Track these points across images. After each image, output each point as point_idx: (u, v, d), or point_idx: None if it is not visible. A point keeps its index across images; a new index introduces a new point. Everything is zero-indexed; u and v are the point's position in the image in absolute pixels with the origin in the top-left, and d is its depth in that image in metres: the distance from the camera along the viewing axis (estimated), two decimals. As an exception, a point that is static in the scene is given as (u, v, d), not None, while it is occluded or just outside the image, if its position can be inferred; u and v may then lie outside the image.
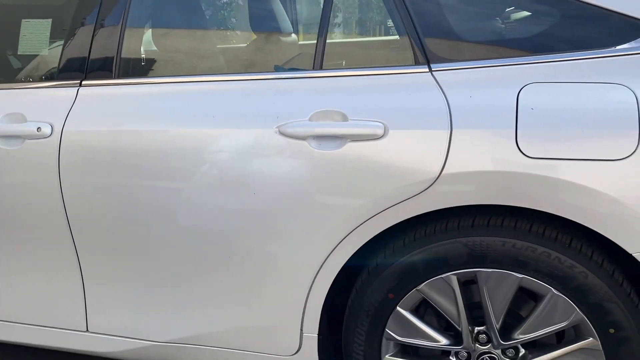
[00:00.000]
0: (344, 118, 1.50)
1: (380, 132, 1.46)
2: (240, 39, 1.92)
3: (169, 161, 1.63)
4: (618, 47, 1.41)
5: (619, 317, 1.41)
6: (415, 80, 1.50)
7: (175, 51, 1.86)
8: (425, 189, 1.43)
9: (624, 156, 1.31)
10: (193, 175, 1.61)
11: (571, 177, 1.34)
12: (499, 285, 1.49)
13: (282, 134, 1.52)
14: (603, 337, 1.44)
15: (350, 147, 1.48)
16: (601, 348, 1.45)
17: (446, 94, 1.45)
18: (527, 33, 1.53)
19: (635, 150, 1.30)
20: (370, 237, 1.52)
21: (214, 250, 1.65)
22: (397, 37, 1.57)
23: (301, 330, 1.66)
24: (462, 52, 1.51)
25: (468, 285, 1.56)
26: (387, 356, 1.66)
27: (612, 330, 1.43)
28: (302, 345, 1.68)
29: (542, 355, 1.53)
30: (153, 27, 1.87)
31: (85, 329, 1.87)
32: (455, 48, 1.52)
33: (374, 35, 1.82)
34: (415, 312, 1.63)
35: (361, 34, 1.83)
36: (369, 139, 1.47)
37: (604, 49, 1.42)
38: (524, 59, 1.45)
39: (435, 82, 1.48)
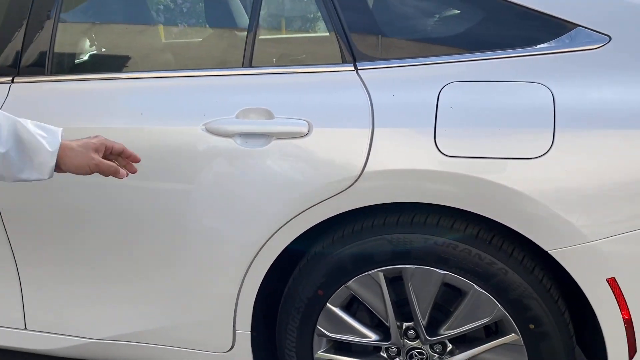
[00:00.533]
0: (270, 116, 1.50)
1: (304, 130, 1.46)
2: (176, 36, 1.91)
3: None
4: (538, 46, 1.43)
5: (539, 312, 1.43)
6: (340, 79, 1.50)
7: (108, 47, 1.84)
8: (348, 187, 1.44)
9: (539, 154, 1.32)
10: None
11: (487, 176, 1.35)
12: (423, 282, 1.50)
13: (208, 131, 1.52)
14: (524, 333, 1.46)
15: (276, 145, 1.48)
16: (522, 343, 1.48)
17: (370, 92, 1.46)
18: (451, 32, 1.54)
19: (550, 148, 1.32)
20: (296, 235, 1.52)
21: (145, 247, 1.64)
22: (326, 34, 1.57)
23: (234, 327, 1.66)
24: (388, 50, 1.52)
25: (396, 281, 1.57)
26: (319, 352, 1.67)
27: (532, 326, 1.45)
28: (236, 343, 1.69)
29: (468, 350, 1.55)
30: (86, 22, 1.85)
31: (24, 327, 1.86)
32: (381, 46, 1.53)
33: (304, 33, 1.82)
34: (347, 308, 1.65)
35: (291, 32, 1.83)
36: (294, 137, 1.47)
37: (524, 48, 1.43)
38: (447, 57, 1.46)
39: (360, 80, 1.48)
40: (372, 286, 1.56)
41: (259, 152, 1.49)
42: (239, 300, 1.62)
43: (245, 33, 1.58)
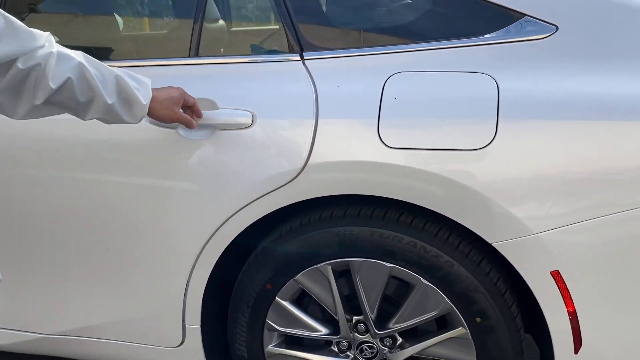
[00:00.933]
0: (214, 106, 1.47)
1: (248, 121, 1.43)
2: (122, 26, 1.86)
3: (39, 150, 1.58)
4: (485, 36, 1.41)
5: (485, 306, 1.42)
6: (287, 69, 1.48)
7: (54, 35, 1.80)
8: (293, 179, 1.41)
9: (482, 146, 1.30)
10: (64, 164, 1.57)
11: (430, 168, 1.33)
12: (370, 275, 1.48)
13: (152, 122, 1.48)
14: (471, 326, 1.45)
15: (220, 136, 1.46)
16: (470, 337, 1.46)
17: (315, 83, 1.43)
18: (398, 22, 1.51)
19: (493, 139, 1.30)
20: (242, 229, 1.49)
21: (91, 242, 1.61)
22: (273, 24, 1.55)
23: (183, 321, 1.64)
24: (335, 40, 1.50)
25: (345, 275, 1.55)
26: (270, 347, 1.65)
27: (479, 320, 1.43)
28: (186, 337, 1.66)
29: (417, 344, 1.54)
30: (33, 12, 1.80)
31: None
32: (329, 36, 1.50)
33: (252, 22, 1.79)
34: (298, 302, 1.63)
35: (239, 21, 1.80)
36: (238, 128, 1.44)
37: (471, 38, 1.41)
38: (394, 48, 1.44)
39: (306, 70, 1.46)
40: (321, 280, 1.54)
41: (202, 144, 1.47)
42: (187, 295, 1.60)
43: (192, 23, 1.55)
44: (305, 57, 1.47)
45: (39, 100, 1.20)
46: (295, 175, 1.41)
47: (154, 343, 1.69)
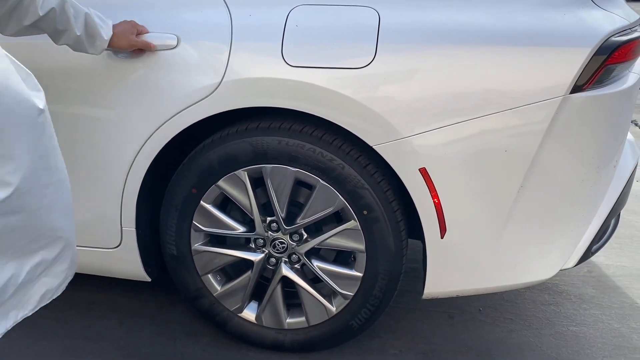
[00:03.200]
0: (145, 30, 1.70)
1: (173, 43, 1.68)
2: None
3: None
4: (372, -24, 1.69)
5: (370, 201, 1.73)
6: (208, 1, 1.73)
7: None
8: (209, 95, 1.68)
9: (364, 65, 1.60)
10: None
11: (323, 83, 1.61)
12: (279, 178, 1.77)
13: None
14: (360, 219, 1.76)
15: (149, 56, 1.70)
16: (360, 228, 1.78)
17: (231, 12, 1.69)
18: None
19: (372, 60, 1.59)
20: (168, 139, 1.75)
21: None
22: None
23: (121, 225, 1.90)
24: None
25: (260, 181, 1.83)
26: (196, 245, 1.92)
27: (365, 212, 1.75)
28: (123, 239, 1.92)
29: (317, 237, 1.84)
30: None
31: None
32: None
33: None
34: (222, 207, 1.91)
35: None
36: (164, 49, 1.69)
37: (361, -23, 1.69)
38: (297, -16, 1.71)
39: (223, 2, 1.71)
40: (238, 184, 1.81)
41: (133, 62, 1.71)
42: (123, 201, 1.85)
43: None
44: (223, -9, 1.73)
45: (27, 22, 1.52)
46: (212, 90, 1.67)
47: (94, 245, 1.94)
